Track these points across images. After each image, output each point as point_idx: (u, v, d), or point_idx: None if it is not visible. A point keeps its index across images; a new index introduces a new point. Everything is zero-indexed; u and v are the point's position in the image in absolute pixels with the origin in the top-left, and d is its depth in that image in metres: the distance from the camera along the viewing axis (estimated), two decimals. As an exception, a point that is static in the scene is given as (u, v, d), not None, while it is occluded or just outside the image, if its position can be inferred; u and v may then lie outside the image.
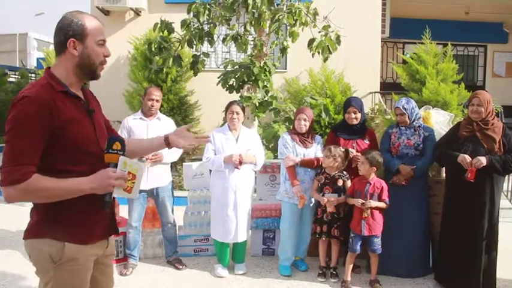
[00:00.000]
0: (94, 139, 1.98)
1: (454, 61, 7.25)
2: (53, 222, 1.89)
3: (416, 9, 10.82)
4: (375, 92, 8.72)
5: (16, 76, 15.76)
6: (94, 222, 1.98)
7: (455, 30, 11.16)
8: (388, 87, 9.66)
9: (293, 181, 4.16)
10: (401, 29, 10.60)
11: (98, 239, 2.01)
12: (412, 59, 7.36)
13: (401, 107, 4.18)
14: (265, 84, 5.98)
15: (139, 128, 4.22)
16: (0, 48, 25.47)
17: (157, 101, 4.28)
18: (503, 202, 6.57)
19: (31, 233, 1.93)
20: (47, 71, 1.97)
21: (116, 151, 1.90)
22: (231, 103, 4.32)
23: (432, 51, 7.12)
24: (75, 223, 1.91)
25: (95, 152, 1.95)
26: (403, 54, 9.24)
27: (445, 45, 7.70)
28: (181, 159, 6.91)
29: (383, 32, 9.60)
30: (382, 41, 9.94)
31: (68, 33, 1.92)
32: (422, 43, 7.37)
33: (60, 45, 1.94)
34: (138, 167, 1.93)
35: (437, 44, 7.50)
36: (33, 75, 16.09)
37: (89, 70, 2.00)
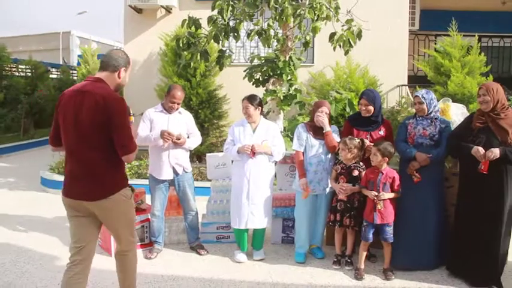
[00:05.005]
0: None
1: (483, 53, 7.16)
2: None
3: (448, 1, 10.63)
4: (402, 85, 8.68)
5: (57, 72, 16.44)
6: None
7: (490, 21, 10.95)
8: (420, 81, 9.57)
9: (300, 174, 4.36)
10: (432, 21, 10.47)
11: None
12: (439, 51, 7.31)
13: (420, 96, 4.23)
14: (290, 78, 6.13)
15: (160, 120, 4.45)
16: (45, 47, 26.43)
17: (178, 103, 4.47)
18: None
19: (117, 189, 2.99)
20: (103, 81, 2.97)
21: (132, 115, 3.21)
22: (243, 98, 4.52)
23: (458, 43, 7.04)
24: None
25: None
26: (434, 47, 9.13)
27: (479, 37, 7.57)
28: (211, 151, 7.16)
29: (412, 24, 9.53)
30: (412, 34, 9.87)
31: (123, 63, 3.05)
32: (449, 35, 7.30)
33: (114, 67, 3.02)
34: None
35: (470, 36, 7.40)
36: (74, 71, 16.76)
37: (118, 89, 3.12)
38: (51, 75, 15.71)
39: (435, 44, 10.83)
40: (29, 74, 14.16)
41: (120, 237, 3.14)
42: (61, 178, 7.40)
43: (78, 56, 10.46)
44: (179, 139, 4.37)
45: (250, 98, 4.47)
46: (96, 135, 2.86)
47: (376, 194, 3.96)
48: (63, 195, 3.03)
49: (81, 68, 8.23)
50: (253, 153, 4.31)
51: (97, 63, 8.36)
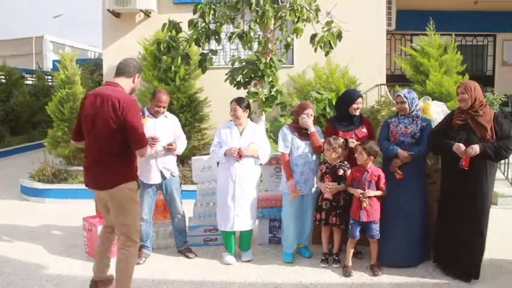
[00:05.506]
0: None
1: (459, 52, 7.35)
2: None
3: (423, 1, 10.86)
4: (381, 85, 8.82)
5: (33, 79, 16.13)
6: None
7: (464, 20, 11.22)
8: (397, 80, 9.75)
9: (287, 176, 4.42)
10: (408, 21, 10.69)
11: None
12: (416, 51, 7.47)
13: (402, 95, 4.35)
14: (271, 79, 6.17)
15: (147, 125, 4.43)
16: (18, 52, 25.94)
17: (164, 107, 4.50)
18: (509, 190, 6.71)
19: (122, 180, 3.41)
20: (119, 86, 3.46)
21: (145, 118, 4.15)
22: (231, 100, 4.55)
23: (435, 43, 7.22)
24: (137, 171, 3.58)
25: None
26: (411, 46, 9.31)
27: (453, 36, 7.78)
28: (193, 154, 7.15)
29: (389, 24, 9.69)
30: (389, 34, 10.04)
31: (137, 70, 3.57)
32: (427, 35, 7.48)
33: (129, 74, 3.52)
34: None
35: (445, 35, 7.59)
36: (49, 77, 16.46)
37: (132, 92, 3.61)
38: (26, 82, 15.40)
39: (411, 43, 11.07)
40: (3, 81, 13.87)
41: (121, 229, 3.48)
42: (42, 186, 7.35)
43: (56, 61, 10.27)
44: (171, 145, 4.43)
45: (239, 101, 4.50)
46: (111, 132, 3.31)
47: (362, 192, 4.04)
48: (86, 186, 3.62)
49: (60, 74, 8.09)
50: (240, 156, 4.34)
51: (76, 68, 8.25)
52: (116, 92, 3.38)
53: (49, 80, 16.11)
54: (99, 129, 3.35)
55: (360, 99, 4.53)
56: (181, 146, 4.63)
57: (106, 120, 3.30)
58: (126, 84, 3.51)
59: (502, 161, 5.03)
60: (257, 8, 5.51)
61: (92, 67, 12.91)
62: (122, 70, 3.52)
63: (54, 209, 6.80)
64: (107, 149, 3.35)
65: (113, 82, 3.52)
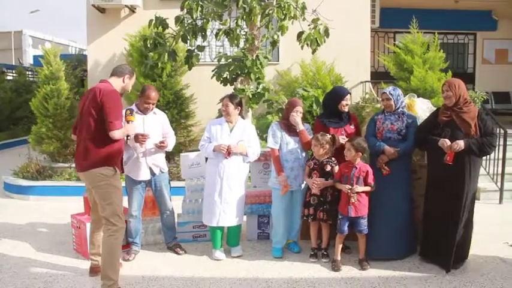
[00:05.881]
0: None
1: (442, 50, 7.50)
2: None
3: (406, -1, 11.04)
4: (366, 82, 8.94)
5: (13, 74, 15.85)
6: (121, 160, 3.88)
7: (445, 19, 11.40)
8: (380, 77, 9.88)
9: (278, 171, 4.46)
10: (391, 19, 10.84)
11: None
12: (400, 48, 7.59)
13: (387, 93, 4.44)
14: (258, 76, 6.21)
15: (136, 121, 4.42)
16: (-4, 47, 25.48)
17: (153, 104, 4.51)
18: (490, 185, 6.88)
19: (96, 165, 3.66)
20: (108, 82, 3.78)
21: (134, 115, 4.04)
22: (224, 97, 4.58)
23: (419, 40, 7.35)
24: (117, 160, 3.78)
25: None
26: (394, 44, 9.45)
27: (435, 34, 7.93)
28: (179, 151, 7.15)
29: (373, 22, 9.82)
30: (372, 31, 10.17)
31: (127, 71, 3.89)
32: (410, 33, 7.61)
33: (120, 74, 3.85)
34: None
35: (427, 33, 7.73)
36: (30, 72, 16.18)
37: (122, 91, 3.89)
38: (7, 77, 15.12)
39: (394, 41, 11.22)
40: (-17, 76, 13.62)
41: (102, 213, 3.75)
42: (26, 183, 7.26)
43: (39, 56, 10.09)
44: (163, 143, 4.45)
45: (232, 97, 4.53)
46: (91, 119, 3.60)
47: (350, 187, 4.11)
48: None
49: (44, 69, 7.97)
50: (229, 153, 4.37)
51: (60, 64, 8.13)
52: (101, 85, 3.73)
53: (30, 76, 15.85)
54: (82, 117, 3.72)
55: (348, 96, 4.60)
56: (171, 142, 4.65)
57: (88, 108, 3.63)
58: (115, 82, 3.83)
59: (484, 157, 5.17)
60: (244, 5, 5.53)
61: (74, 63, 12.77)
62: (114, 71, 3.92)
63: (39, 206, 6.72)
64: (87, 135, 3.66)
65: (104, 79, 3.87)
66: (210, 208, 4.48)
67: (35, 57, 18.95)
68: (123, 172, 4.05)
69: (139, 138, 4.29)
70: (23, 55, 25.45)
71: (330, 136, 4.39)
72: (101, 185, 3.70)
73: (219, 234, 4.57)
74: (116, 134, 3.62)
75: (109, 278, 3.63)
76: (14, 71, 16.15)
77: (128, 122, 3.94)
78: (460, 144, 3.90)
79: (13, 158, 8.32)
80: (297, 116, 4.49)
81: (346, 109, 4.60)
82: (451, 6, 11.41)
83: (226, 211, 4.45)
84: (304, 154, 4.58)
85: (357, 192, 4.11)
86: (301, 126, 4.49)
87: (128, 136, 4.01)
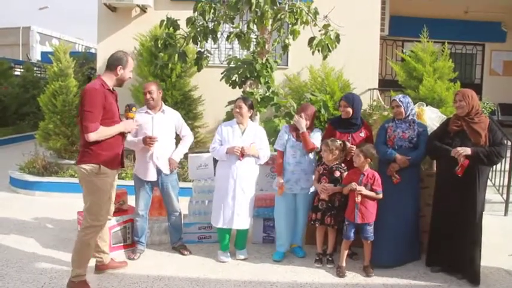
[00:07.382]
0: (117, 112, 3.84)
1: (451, 60, 7.50)
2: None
3: (415, 8, 11.05)
4: (374, 89, 8.94)
5: (21, 70, 15.92)
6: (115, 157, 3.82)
7: (454, 29, 11.40)
8: (387, 85, 9.89)
9: (278, 172, 4.57)
10: (400, 27, 10.86)
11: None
12: (410, 57, 7.60)
13: (398, 100, 4.45)
14: (267, 80, 6.22)
15: (144, 121, 4.46)
16: (3, 42, 25.57)
17: (149, 92, 4.46)
18: (495, 196, 6.85)
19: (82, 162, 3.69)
20: (100, 78, 3.75)
21: (133, 112, 3.99)
22: (237, 98, 4.60)
23: (429, 49, 7.35)
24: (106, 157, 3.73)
25: (117, 116, 3.83)
26: (402, 52, 9.45)
27: (443, 43, 7.95)
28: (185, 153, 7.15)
29: (382, 30, 9.82)
30: (381, 39, 10.16)
31: (119, 62, 3.77)
32: (420, 41, 7.61)
33: (112, 66, 3.76)
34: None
35: (435, 42, 7.73)
36: (37, 68, 16.24)
37: (120, 82, 3.86)
38: (14, 72, 15.20)
39: (402, 49, 11.22)
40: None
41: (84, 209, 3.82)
42: (32, 178, 7.29)
43: (48, 53, 10.12)
44: (172, 165, 4.57)
45: (245, 99, 4.56)
46: (80, 117, 3.68)
47: (356, 184, 4.11)
48: None
49: (53, 66, 8.00)
50: (242, 155, 4.38)
51: (69, 61, 8.17)
52: (90, 83, 3.78)
53: (37, 72, 15.91)
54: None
55: (342, 102, 4.59)
56: (185, 146, 4.77)
57: (79, 105, 3.80)
58: (108, 77, 3.79)
59: (490, 168, 5.17)
60: (257, 9, 5.56)
61: (82, 60, 12.81)
62: (106, 65, 3.86)
63: (44, 202, 6.75)
64: (80, 132, 3.73)
65: (99, 75, 3.89)
66: (221, 210, 4.46)
67: (43, 54, 19.04)
68: (122, 167, 4.05)
69: (147, 141, 4.32)
70: (31, 51, 25.55)
71: (341, 142, 4.39)
72: (85, 182, 3.73)
73: (227, 236, 4.57)
74: (91, 136, 3.58)
75: (75, 269, 3.74)
76: (21, 66, 16.22)
77: (127, 118, 3.94)
78: (467, 150, 3.91)
79: (19, 153, 8.34)
80: (298, 118, 4.51)
81: (345, 115, 4.58)
82: (460, 16, 11.43)
83: (239, 213, 4.45)
84: (308, 159, 4.57)
85: (362, 195, 4.10)
86: (302, 129, 4.49)
87: (126, 132, 3.93)
